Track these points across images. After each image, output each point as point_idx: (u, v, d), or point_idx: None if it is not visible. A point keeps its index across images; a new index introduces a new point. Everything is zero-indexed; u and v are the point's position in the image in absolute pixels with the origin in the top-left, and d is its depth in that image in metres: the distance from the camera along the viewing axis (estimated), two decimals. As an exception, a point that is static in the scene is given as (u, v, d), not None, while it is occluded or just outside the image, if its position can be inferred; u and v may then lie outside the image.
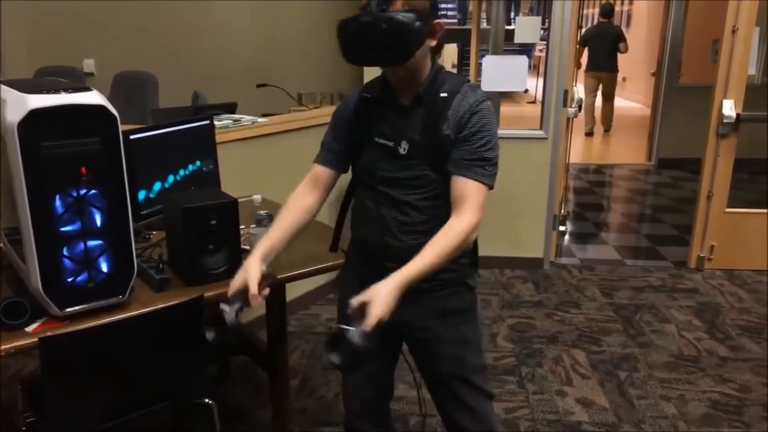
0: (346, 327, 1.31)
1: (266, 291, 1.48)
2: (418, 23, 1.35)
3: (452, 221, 1.44)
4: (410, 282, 1.37)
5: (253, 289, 1.43)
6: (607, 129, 8.84)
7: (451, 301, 1.59)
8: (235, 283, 1.46)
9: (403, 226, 1.51)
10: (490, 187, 1.46)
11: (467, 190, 1.43)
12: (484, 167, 1.44)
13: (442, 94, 1.46)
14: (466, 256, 1.58)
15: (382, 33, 1.33)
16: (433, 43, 1.45)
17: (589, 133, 8.75)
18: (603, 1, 8.47)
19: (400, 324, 1.62)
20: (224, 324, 1.42)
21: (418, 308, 1.58)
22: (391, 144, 1.49)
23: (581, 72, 8.31)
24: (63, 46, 4.40)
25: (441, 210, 1.49)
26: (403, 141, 1.48)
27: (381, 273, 1.56)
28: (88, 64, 4.50)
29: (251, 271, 1.45)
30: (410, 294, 1.56)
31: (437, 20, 1.43)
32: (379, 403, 1.80)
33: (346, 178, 1.69)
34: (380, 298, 1.32)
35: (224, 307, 1.43)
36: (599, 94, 8.37)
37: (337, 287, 1.77)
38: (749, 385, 2.78)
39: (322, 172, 1.62)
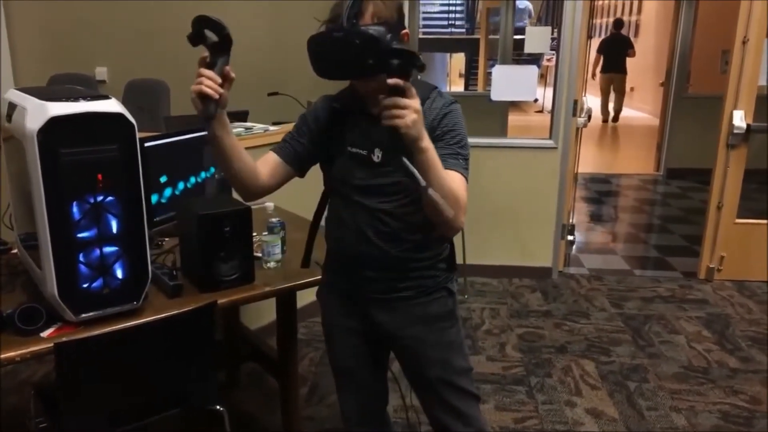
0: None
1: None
2: (389, 36, 1.36)
3: None
4: (428, 149, 1.29)
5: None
6: (616, 118, 10.64)
7: (434, 306, 1.61)
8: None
9: (382, 234, 1.51)
10: (467, 182, 1.45)
11: (455, 179, 1.40)
12: (459, 160, 1.44)
13: None
14: (444, 260, 1.61)
15: (355, 48, 1.32)
16: None
17: (605, 120, 10.56)
18: (615, 15, 9.60)
19: (385, 334, 1.63)
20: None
21: (403, 317, 1.60)
22: (364, 152, 1.50)
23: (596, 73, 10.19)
24: (75, 54, 4.44)
25: (417, 216, 1.48)
26: (376, 149, 1.49)
27: (361, 283, 1.58)
28: (101, 72, 4.54)
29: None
30: (393, 302, 1.58)
31: (404, 30, 1.44)
32: (374, 410, 1.80)
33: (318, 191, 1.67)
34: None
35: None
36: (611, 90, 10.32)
37: (318, 297, 1.76)
38: (759, 397, 2.76)
39: (274, 159, 1.56)
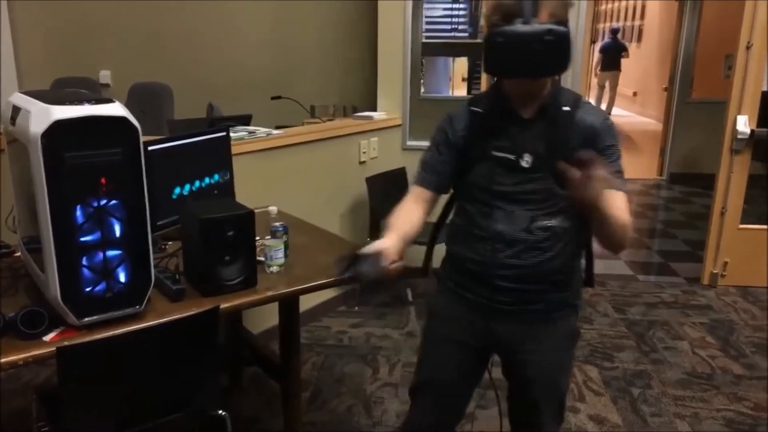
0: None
1: (400, 263, 1.39)
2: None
3: None
4: (604, 207, 1.30)
5: (392, 251, 1.37)
6: (609, 110, 11.66)
7: (560, 324, 1.58)
8: (371, 247, 1.39)
9: (524, 243, 1.46)
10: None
11: (617, 200, 1.39)
12: (621, 178, 1.43)
13: (565, 108, 1.44)
14: (579, 274, 1.58)
15: (546, 44, 1.28)
16: None
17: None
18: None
19: (498, 342, 1.58)
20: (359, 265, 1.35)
21: (527, 330, 1.56)
22: (512, 157, 1.44)
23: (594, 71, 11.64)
24: (79, 58, 4.45)
25: (562, 226, 1.45)
26: (525, 154, 1.44)
27: (491, 293, 1.51)
28: (105, 75, 4.55)
29: (388, 240, 1.41)
30: (521, 315, 1.53)
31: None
32: (450, 426, 1.76)
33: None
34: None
35: (365, 254, 1.36)
36: (607, 86, 11.89)
37: (429, 306, 1.72)
38: (764, 403, 2.74)
39: (424, 193, 1.57)
